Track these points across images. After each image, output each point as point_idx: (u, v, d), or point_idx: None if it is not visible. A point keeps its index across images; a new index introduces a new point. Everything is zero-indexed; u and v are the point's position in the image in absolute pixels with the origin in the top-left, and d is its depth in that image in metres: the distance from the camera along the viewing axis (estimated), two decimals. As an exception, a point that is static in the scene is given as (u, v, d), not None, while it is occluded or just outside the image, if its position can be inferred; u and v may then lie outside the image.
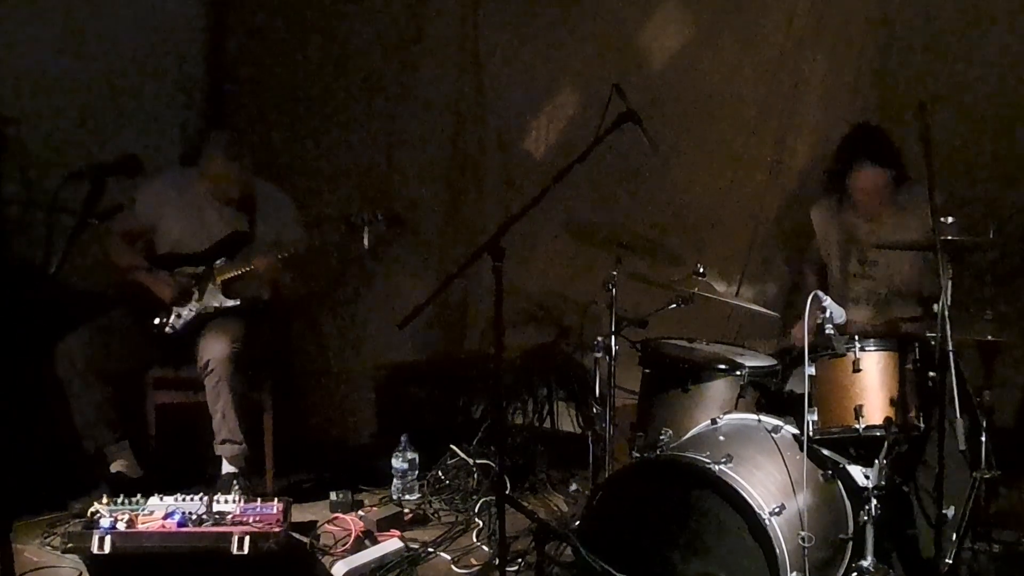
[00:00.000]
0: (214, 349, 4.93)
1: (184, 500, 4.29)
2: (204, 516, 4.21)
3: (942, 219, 3.76)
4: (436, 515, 5.08)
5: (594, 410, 4.72)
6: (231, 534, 4.09)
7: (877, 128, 4.76)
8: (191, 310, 5.11)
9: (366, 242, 4.92)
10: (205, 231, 5.21)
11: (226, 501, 4.29)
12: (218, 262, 5.16)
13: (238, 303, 5.14)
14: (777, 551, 3.62)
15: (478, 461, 5.33)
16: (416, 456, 5.25)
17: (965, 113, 5.00)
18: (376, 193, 5.99)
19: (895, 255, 4.58)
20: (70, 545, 4.12)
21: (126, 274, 5.22)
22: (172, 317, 5.10)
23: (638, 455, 4.46)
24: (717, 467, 3.76)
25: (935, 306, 3.70)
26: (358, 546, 4.59)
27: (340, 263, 5.68)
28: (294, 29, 6.36)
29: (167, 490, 4.37)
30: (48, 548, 4.52)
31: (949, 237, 3.76)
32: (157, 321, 5.10)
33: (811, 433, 3.98)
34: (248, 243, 5.19)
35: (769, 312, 4.73)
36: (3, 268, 5.41)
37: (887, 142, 4.63)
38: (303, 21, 6.36)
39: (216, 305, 5.13)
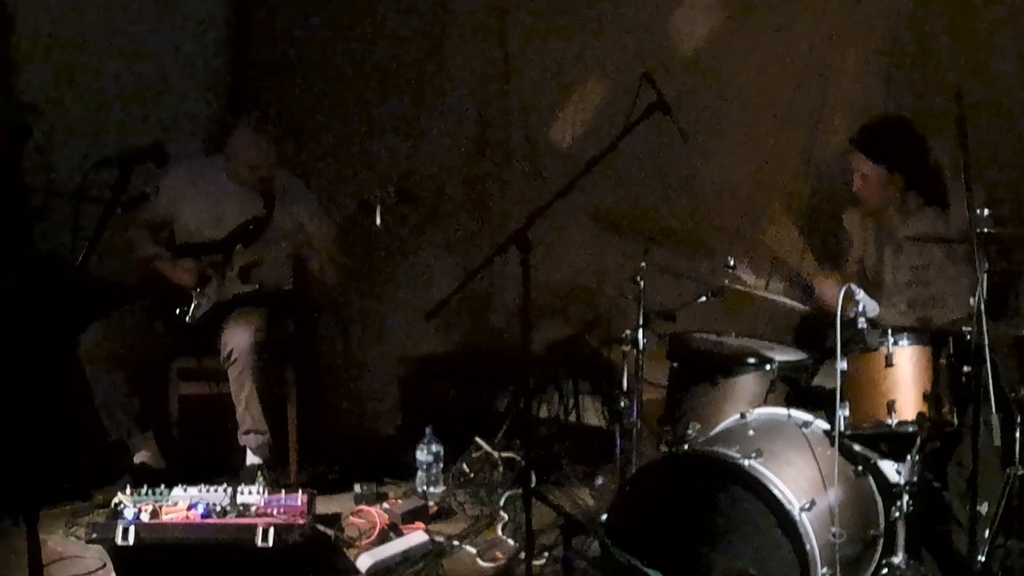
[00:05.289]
0: (237, 339, 4.92)
1: (208, 491, 4.28)
2: (228, 507, 4.19)
3: (978, 211, 3.70)
4: (461, 508, 5.06)
5: (621, 404, 4.67)
6: (255, 526, 4.07)
7: (897, 121, 4.68)
8: (210, 298, 5.09)
9: (378, 219, 4.92)
10: (222, 219, 5.20)
11: (250, 492, 4.27)
12: (236, 248, 5.13)
13: (257, 288, 5.12)
14: (807, 547, 3.58)
15: (503, 454, 5.31)
16: (441, 449, 5.22)
17: (1001, 105, 4.92)
18: (401, 183, 5.95)
19: (940, 258, 4.49)
20: (94, 536, 4.11)
21: (147, 263, 5.22)
22: (192, 306, 5.08)
23: (666, 449, 4.43)
24: (747, 462, 3.72)
25: (971, 300, 3.64)
26: (383, 539, 4.57)
27: (361, 245, 5.64)
28: (318, 16, 6.34)
29: (190, 481, 4.35)
30: (72, 538, 4.52)
31: (985, 230, 3.70)
32: (177, 310, 5.09)
33: (842, 428, 3.93)
34: (265, 230, 5.17)
35: (800, 306, 4.67)
36: (28, 258, 5.42)
37: (900, 140, 4.54)
38: (327, 11, 6.33)
39: (235, 292, 5.11)
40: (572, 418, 6.02)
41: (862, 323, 3.94)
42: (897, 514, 3.84)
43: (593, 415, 6.01)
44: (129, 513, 4.11)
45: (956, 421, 3.93)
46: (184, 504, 4.19)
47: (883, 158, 4.48)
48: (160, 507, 4.16)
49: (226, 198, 5.23)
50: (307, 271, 5.27)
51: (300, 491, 4.33)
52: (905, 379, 3.90)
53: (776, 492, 3.64)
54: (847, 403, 3.94)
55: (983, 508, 3.74)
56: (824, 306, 4.56)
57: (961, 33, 5.07)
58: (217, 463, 5.12)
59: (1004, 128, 4.94)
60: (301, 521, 4.14)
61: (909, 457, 3.87)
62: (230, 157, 5.19)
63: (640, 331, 4.53)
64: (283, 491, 4.33)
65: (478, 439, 5.40)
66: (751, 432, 4.01)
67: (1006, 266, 4.10)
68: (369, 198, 4.93)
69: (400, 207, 5.00)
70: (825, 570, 3.61)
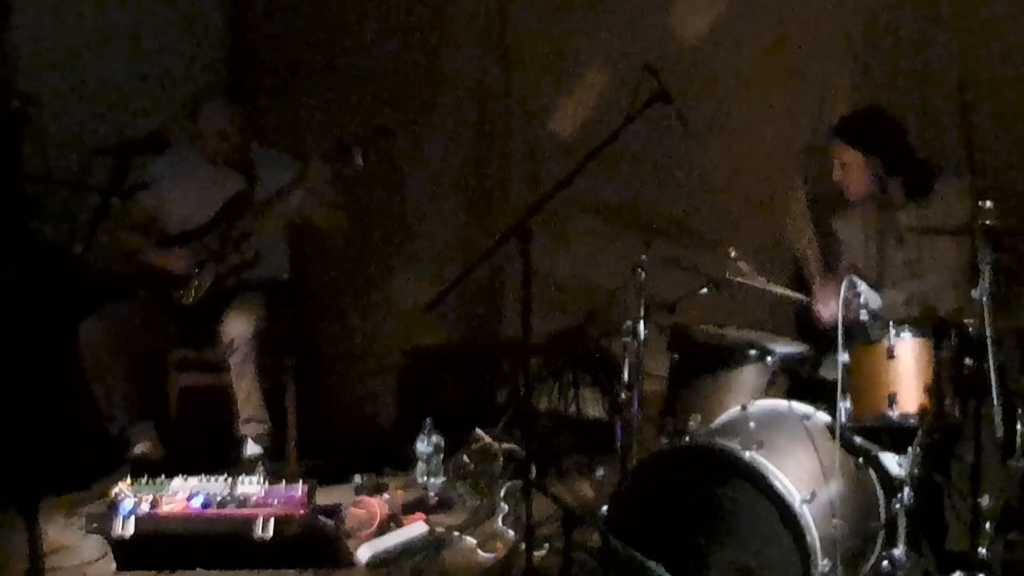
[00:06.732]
0: (238, 328, 4.92)
1: (207, 482, 4.28)
2: (227, 498, 4.19)
3: (980, 203, 3.69)
4: (461, 499, 5.06)
5: (621, 395, 4.67)
6: (255, 516, 4.07)
7: (873, 108, 4.67)
8: (209, 275, 5.08)
9: (359, 159, 4.90)
10: (208, 201, 5.19)
11: (250, 483, 4.27)
12: (232, 225, 5.13)
13: (255, 255, 5.11)
14: (808, 539, 3.57)
15: (503, 445, 5.30)
16: (441, 440, 5.22)
17: (1004, 94, 4.91)
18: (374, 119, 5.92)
19: (939, 252, 4.48)
20: (94, 526, 4.12)
21: (136, 258, 5.21)
22: (193, 287, 5.07)
23: (667, 441, 4.42)
24: (748, 454, 3.71)
25: (973, 292, 3.63)
26: (383, 530, 4.57)
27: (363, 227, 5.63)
28: (316, 9, 6.32)
29: (190, 472, 4.35)
30: (72, 528, 4.52)
31: (988, 221, 3.69)
32: (180, 292, 5.07)
33: (844, 421, 3.92)
34: (251, 203, 5.16)
35: (801, 297, 4.66)
36: (27, 248, 5.41)
37: (876, 124, 4.54)
38: (327, 9, 6.31)
39: (232, 263, 5.09)
40: (572, 410, 6.01)
41: (864, 315, 3.93)
42: (898, 507, 3.82)
43: (593, 407, 6.00)
44: (128, 504, 4.11)
45: (958, 413, 3.91)
46: (183, 495, 4.19)
47: (860, 142, 4.49)
48: (159, 498, 4.17)
49: (207, 180, 5.23)
50: (306, 261, 5.27)
51: (300, 482, 4.33)
52: (907, 371, 3.88)
53: (777, 484, 3.63)
54: (848, 395, 3.93)
55: (984, 501, 3.73)
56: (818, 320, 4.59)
57: (962, 30, 5.05)
58: (216, 454, 5.11)
59: (1009, 116, 4.92)
60: (301, 512, 4.14)
61: (911, 450, 3.84)
62: (200, 135, 5.21)
63: (641, 323, 4.52)
64: (283, 482, 4.33)
65: (478, 430, 5.39)
66: (752, 424, 3.99)
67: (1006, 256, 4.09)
68: (344, 138, 4.92)
69: (378, 141, 4.96)
70: (826, 562, 3.60)
